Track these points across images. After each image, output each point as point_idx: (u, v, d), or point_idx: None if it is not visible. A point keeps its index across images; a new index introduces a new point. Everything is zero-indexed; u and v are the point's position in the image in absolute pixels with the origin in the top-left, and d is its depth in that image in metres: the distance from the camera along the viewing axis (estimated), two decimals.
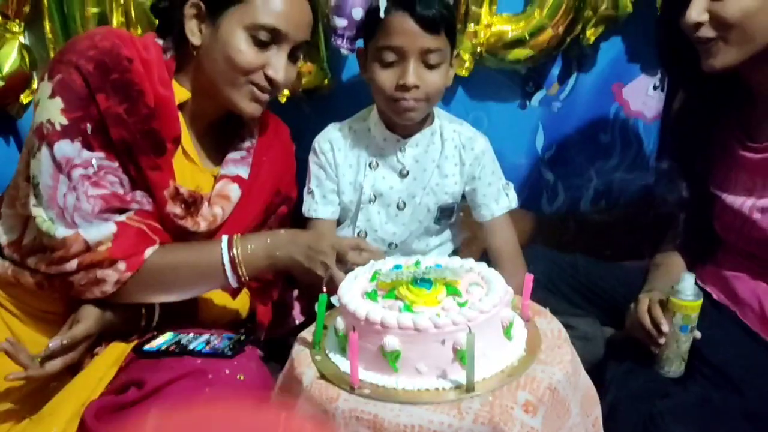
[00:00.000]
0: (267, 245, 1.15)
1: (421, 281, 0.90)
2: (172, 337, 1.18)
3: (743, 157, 1.27)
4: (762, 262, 1.28)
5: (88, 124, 1.08)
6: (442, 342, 0.84)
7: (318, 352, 0.93)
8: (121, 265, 1.10)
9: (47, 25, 1.51)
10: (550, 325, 0.96)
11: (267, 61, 1.16)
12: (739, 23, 1.12)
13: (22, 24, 1.52)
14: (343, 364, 0.89)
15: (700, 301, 1.18)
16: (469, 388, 0.83)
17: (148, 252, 1.12)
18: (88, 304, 1.14)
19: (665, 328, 1.18)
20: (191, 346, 1.12)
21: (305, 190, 1.44)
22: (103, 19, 1.57)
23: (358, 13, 1.48)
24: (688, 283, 1.18)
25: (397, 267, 0.96)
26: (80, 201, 1.08)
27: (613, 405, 1.14)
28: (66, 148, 1.08)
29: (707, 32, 1.15)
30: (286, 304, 1.60)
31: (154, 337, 1.18)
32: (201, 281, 1.18)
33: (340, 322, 0.91)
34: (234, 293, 1.28)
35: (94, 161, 1.09)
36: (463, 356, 0.83)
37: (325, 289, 1.01)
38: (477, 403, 0.81)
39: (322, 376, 0.88)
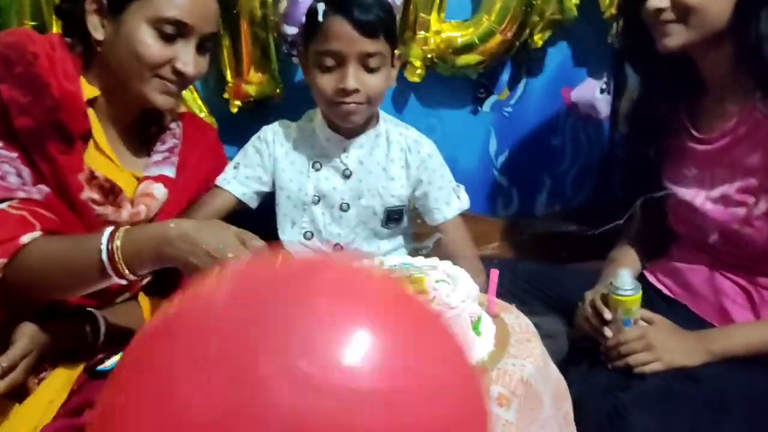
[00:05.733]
0: (155, 239, 1.01)
1: None
2: None
3: (692, 149, 1.32)
4: (716, 253, 1.31)
5: None
6: None
7: None
8: None
9: None
10: (517, 320, 0.97)
11: (174, 55, 1.15)
12: (699, 7, 1.17)
13: None
14: None
15: (638, 295, 1.22)
16: None
17: (25, 238, 1.03)
18: (26, 321, 1.08)
19: (607, 315, 1.22)
20: None
21: (232, 162, 1.40)
22: (41, 33, 1.52)
23: None
24: (624, 278, 1.22)
25: None
26: None
27: (577, 399, 1.14)
28: None
29: (668, 16, 1.20)
30: None
31: (106, 358, 1.13)
32: (80, 274, 1.05)
33: None
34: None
35: None
36: None
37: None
38: None
39: None
